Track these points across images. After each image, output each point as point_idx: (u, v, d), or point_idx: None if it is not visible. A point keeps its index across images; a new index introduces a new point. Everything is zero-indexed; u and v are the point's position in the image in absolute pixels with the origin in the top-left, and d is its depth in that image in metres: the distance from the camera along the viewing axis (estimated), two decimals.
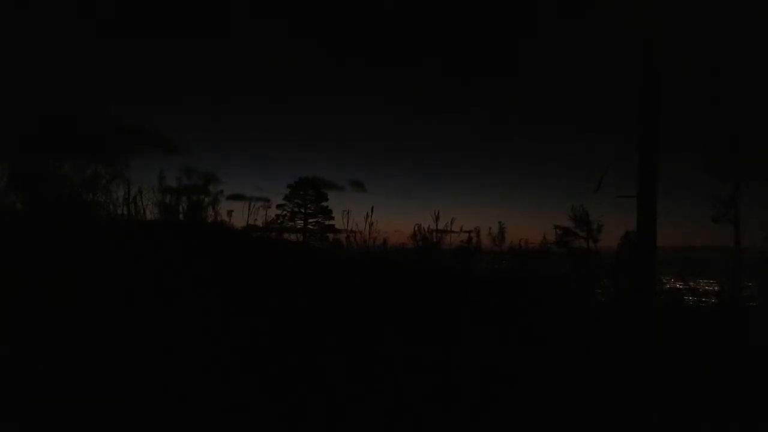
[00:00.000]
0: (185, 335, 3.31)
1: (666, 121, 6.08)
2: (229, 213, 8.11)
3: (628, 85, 6.24)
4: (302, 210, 20.92)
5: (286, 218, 20.61)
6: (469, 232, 8.65)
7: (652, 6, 5.63)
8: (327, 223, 20.66)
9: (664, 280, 9.56)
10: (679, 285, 10.09)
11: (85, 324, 3.23)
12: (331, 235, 15.86)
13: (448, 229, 7.78)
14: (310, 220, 20.93)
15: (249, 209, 7.78)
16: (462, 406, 2.59)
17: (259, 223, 8.13)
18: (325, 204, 20.85)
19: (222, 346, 3.14)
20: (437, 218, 7.69)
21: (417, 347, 3.51)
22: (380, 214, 6.96)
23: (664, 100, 5.96)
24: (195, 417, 2.23)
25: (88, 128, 7.75)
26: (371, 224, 7.25)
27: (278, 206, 20.17)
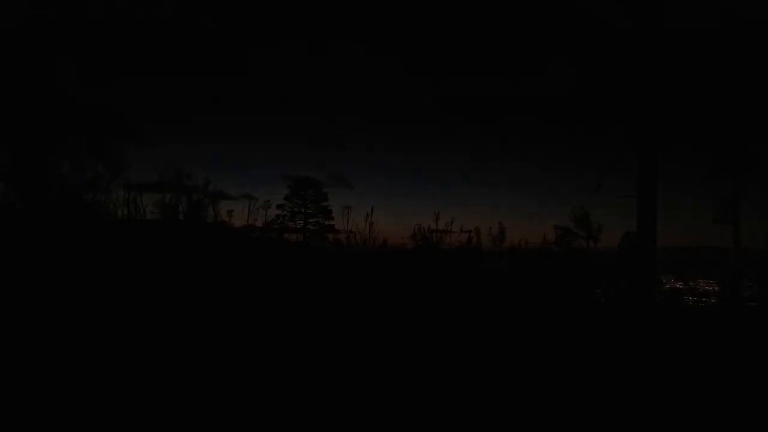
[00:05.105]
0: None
1: (667, 120, 6.07)
2: (230, 213, 8.12)
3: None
4: (302, 210, 20.91)
5: (286, 218, 20.60)
6: (469, 232, 8.64)
7: None
8: (327, 223, 20.64)
9: (664, 280, 9.58)
10: (679, 285, 10.11)
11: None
12: (331, 236, 15.83)
13: (448, 229, 7.74)
14: (310, 220, 20.92)
15: (249, 209, 7.77)
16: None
17: (259, 223, 8.12)
18: (325, 204, 20.84)
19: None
20: (437, 218, 7.66)
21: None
22: (378, 214, 6.92)
23: (665, 100, 5.95)
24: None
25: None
26: (371, 224, 7.19)
27: (278, 206, 20.15)
